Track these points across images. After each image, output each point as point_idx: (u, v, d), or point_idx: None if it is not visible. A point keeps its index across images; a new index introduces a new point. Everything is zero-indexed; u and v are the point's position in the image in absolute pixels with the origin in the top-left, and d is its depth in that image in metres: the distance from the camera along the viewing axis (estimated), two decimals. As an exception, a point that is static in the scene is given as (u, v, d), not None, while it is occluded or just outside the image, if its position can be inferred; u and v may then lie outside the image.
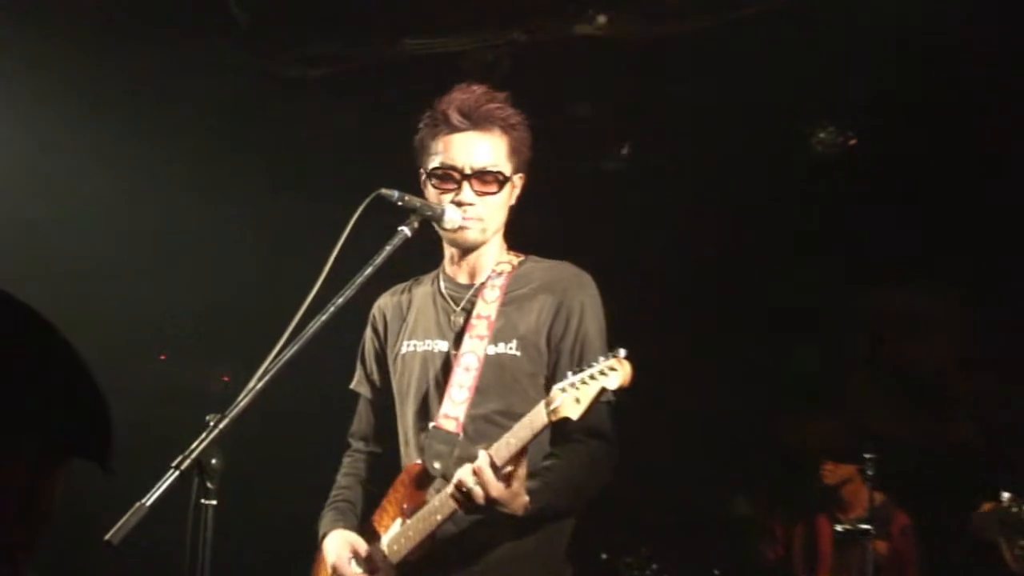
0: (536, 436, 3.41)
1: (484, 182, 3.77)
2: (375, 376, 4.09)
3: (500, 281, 3.85)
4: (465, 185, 3.76)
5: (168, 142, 6.80)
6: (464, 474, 3.45)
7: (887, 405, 6.67)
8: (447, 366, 3.80)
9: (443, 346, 3.85)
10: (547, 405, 3.36)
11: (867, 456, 6.01)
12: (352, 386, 4.16)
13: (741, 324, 7.20)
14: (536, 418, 3.39)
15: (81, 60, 6.28)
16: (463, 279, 3.93)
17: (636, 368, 3.31)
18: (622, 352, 3.30)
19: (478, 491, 3.42)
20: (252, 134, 6.92)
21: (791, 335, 7.12)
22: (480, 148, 3.78)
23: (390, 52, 6.47)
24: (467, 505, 3.47)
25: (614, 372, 3.29)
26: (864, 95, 6.45)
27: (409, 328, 3.97)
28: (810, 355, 7.11)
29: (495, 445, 3.46)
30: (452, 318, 3.87)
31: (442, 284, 3.97)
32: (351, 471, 4.16)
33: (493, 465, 3.40)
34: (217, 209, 7.01)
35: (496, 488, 3.40)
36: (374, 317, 4.11)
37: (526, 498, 3.47)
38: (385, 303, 4.10)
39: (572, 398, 3.32)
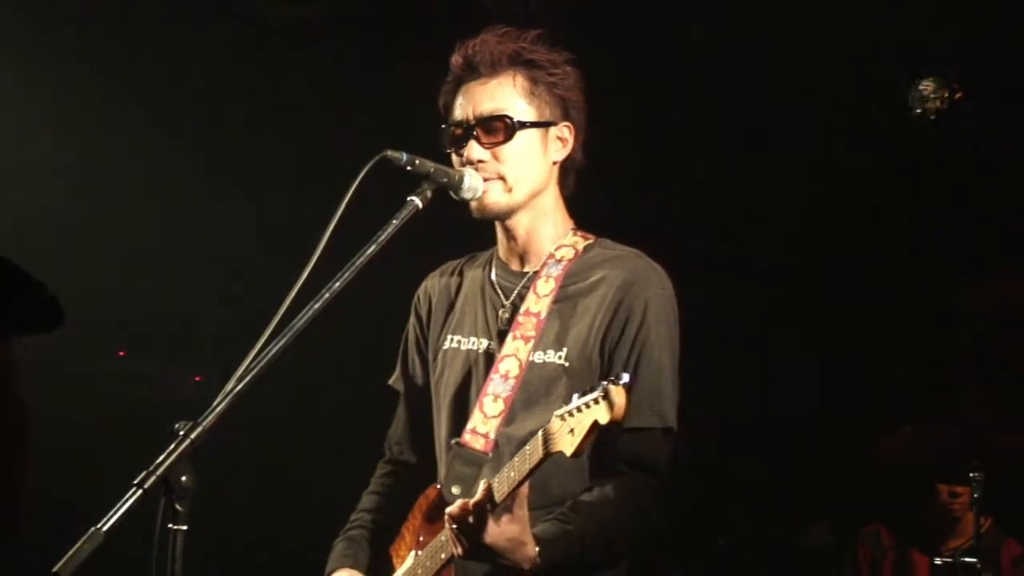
0: (534, 471, 3.29)
1: (489, 131, 3.70)
2: (416, 372, 4.03)
3: (557, 270, 3.74)
4: (471, 139, 3.70)
5: (129, 99, 6.81)
6: (457, 510, 3.34)
7: (998, 415, 6.63)
8: (488, 370, 3.72)
9: (487, 346, 3.78)
10: (544, 435, 3.26)
11: (973, 475, 5.96)
12: (390, 382, 4.11)
13: (824, 319, 7.15)
14: (534, 449, 3.29)
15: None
16: (515, 265, 3.84)
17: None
18: (624, 378, 3.17)
19: (470, 533, 3.32)
20: (230, 90, 6.91)
21: (883, 333, 7.07)
22: (483, 93, 3.72)
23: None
24: (460, 549, 3.37)
25: (605, 402, 3.14)
26: (973, 38, 6.39)
27: (456, 319, 3.90)
28: (905, 356, 7.07)
29: (497, 476, 3.37)
30: (500, 313, 3.79)
31: (493, 270, 3.88)
32: (377, 488, 4.10)
33: (491, 501, 3.30)
34: (187, 174, 7.00)
35: (491, 533, 3.29)
36: (418, 300, 4.04)
37: (533, 548, 3.35)
38: (432, 285, 4.03)
39: (567, 428, 3.20)
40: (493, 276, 3.87)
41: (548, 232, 3.80)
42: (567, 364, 3.65)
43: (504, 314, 3.78)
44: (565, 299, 3.72)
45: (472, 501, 3.30)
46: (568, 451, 3.19)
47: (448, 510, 3.36)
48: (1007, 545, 6.55)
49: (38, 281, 1.81)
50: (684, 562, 7.00)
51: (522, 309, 3.73)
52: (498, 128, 3.69)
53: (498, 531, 3.29)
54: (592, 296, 3.70)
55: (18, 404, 1.81)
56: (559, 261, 3.76)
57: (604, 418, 3.14)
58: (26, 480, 1.80)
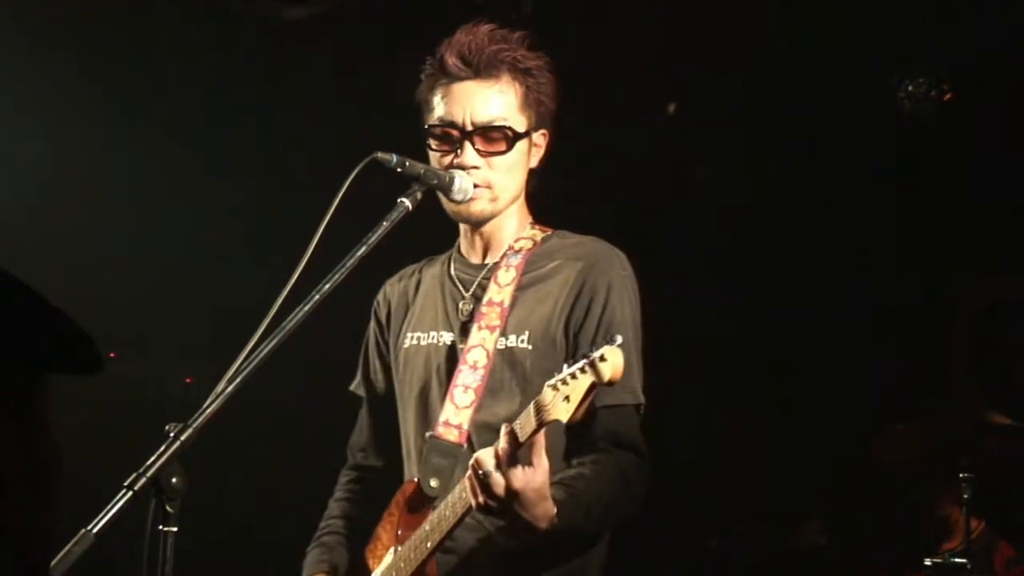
0: (528, 441, 3.26)
1: (488, 140, 3.72)
2: (377, 376, 4.06)
3: (517, 260, 3.80)
4: (466, 145, 3.71)
5: (125, 98, 6.80)
6: (485, 455, 3.30)
7: (992, 415, 6.62)
8: (452, 363, 3.76)
9: (449, 338, 3.81)
10: (536, 406, 3.23)
11: (963, 476, 5.95)
12: (352, 388, 4.14)
13: (819, 319, 7.14)
14: (525, 422, 3.26)
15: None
16: (476, 258, 3.89)
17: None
18: (618, 339, 3.16)
19: (498, 477, 3.26)
20: (228, 89, 6.91)
21: (878, 332, 7.07)
22: (482, 99, 3.73)
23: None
24: (483, 497, 3.31)
25: (604, 363, 3.13)
26: (963, 39, 6.39)
27: (414, 317, 3.94)
28: (900, 355, 7.07)
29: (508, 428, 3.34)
30: (461, 305, 3.83)
31: (452, 265, 3.94)
32: (344, 494, 4.13)
33: (517, 443, 3.27)
34: (183, 174, 6.99)
35: (519, 477, 3.24)
36: (377, 305, 4.09)
37: (553, 507, 3.34)
38: (391, 290, 4.08)
39: (562, 396, 3.19)
40: (452, 271, 3.92)
41: (511, 228, 3.87)
42: (530, 347, 3.68)
43: (465, 306, 3.83)
44: (527, 285, 3.76)
45: (500, 447, 3.27)
46: (564, 418, 3.19)
47: (477, 455, 3.33)
48: (1000, 548, 6.53)
49: (70, 318, 1.76)
50: (675, 563, 6.99)
51: (485, 300, 3.77)
52: (498, 139, 3.72)
53: (525, 477, 3.25)
54: (554, 280, 3.75)
55: (55, 447, 1.77)
56: (518, 251, 3.82)
57: (606, 375, 3.13)
58: (54, 528, 1.74)
